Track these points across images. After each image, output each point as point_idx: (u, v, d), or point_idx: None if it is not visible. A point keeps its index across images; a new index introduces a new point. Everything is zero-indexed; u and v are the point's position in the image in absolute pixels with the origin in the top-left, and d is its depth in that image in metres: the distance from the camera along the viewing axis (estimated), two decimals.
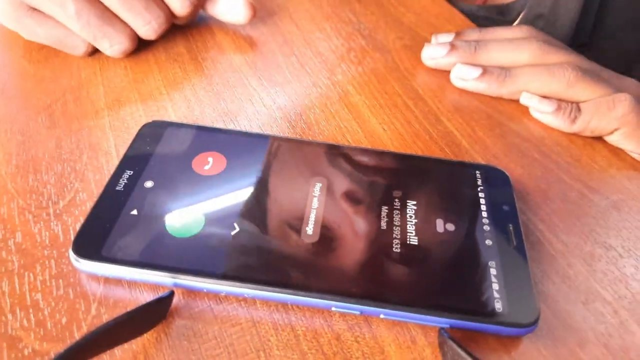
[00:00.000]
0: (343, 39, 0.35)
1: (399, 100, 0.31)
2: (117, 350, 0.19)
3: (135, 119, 0.28)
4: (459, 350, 0.18)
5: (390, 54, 0.34)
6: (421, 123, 0.30)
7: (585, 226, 0.25)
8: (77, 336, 0.19)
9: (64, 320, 0.20)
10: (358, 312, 0.20)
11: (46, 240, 0.22)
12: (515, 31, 0.33)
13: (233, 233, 0.21)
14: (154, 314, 0.19)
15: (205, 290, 0.20)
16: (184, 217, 0.22)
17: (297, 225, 0.22)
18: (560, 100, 0.30)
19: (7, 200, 0.24)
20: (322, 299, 0.20)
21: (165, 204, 0.22)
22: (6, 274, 0.21)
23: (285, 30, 0.36)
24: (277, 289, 0.20)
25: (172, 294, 0.20)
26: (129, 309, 0.18)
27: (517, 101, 0.31)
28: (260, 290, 0.20)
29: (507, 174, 0.25)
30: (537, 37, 0.32)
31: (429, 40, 0.36)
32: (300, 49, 0.34)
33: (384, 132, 0.29)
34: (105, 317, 0.20)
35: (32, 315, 0.20)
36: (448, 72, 0.32)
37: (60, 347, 0.19)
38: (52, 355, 0.16)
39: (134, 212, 0.22)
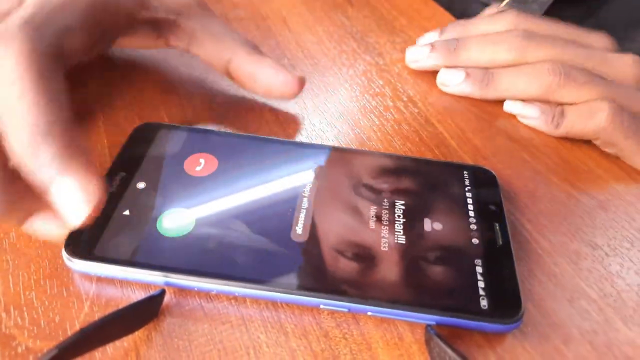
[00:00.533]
0: (335, 42, 0.36)
1: (390, 103, 0.31)
2: (109, 348, 0.19)
3: (129, 121, 0.28)
4: (445, 347, 0.18)
5: (381, 56, 0.35)
6: (411, 125, 0.30)
7: (572, 225, 0.25)
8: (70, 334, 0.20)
9: (57, 318, 0.20)
10: (346, 310, 0.20)
11: (40, 239, 0.23)
12: (497, 22, 0.32)
13: (224, 232, 0.22)
14: (145, 312, 0.20)
15: (196, 289, 0.21)
16: (176, 217, 0.22)
17: (286, 225, 0.22)
18: (546, 101, 0.30)
19: None
20: (310, 297, 0.20)
21: (158, 204, 0.22)
22: (0, 273, 0.21)
23: (277, 33, 0.36)
24: (266, 288, 0.20)
25: (163, 292, 0.20)
26: (120, 307, 0.19)
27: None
28: (250, 288, 0.20)
29: (494, 174, 0.26)
30: (518, 28, 0.31)
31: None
32: (293, 52, 0.35)
33: (374, 133, 0.29)
34: (98, 316, 0.20)
35: (25, 313, 0.20)
36: (437, 73, 0.33)
37: (53, 345, 0.19)
38: (45, 352, 0.17)
39: (127, 212, 0.22)
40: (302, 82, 0.27)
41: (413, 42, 0.36)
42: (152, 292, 0.20)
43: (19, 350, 0.19)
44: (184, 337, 0.20)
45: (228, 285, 0.20)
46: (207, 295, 0.21)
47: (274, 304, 0.21)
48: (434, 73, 0.33)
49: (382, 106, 0.31)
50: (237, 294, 0.21)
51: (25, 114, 0.17)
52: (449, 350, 0.18)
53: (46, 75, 0.18)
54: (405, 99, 0.32)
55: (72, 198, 0.18)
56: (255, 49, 0.28)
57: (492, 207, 0.24)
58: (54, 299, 0.21)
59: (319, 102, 0.31)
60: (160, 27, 0.27)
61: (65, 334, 0.20)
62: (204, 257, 0.21)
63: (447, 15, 0.39)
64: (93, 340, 0.18)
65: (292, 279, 0.20)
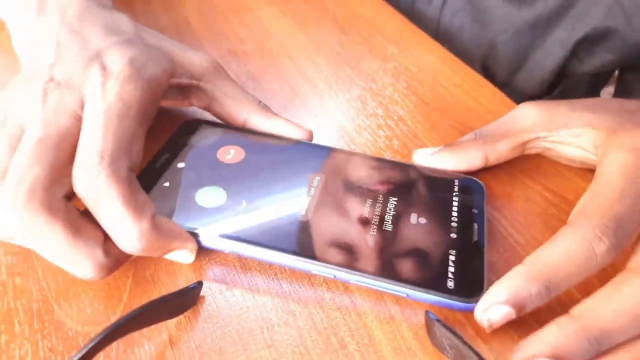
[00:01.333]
0: (332, 70, 0.40)
1: (382, 121, 0.35)
2: (145, 330, 0.23)
3: (179, 118, 0.32)
4: (444, 329, 0.21)
5: (374, 82, 0.39)
6: (401, 140, 0.34)
7: (543, 222, 0.29)
8: (112, 320, 0.23)
9: (101, 307, 0.24)
10: (332, 276, 0.24)
11: None
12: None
13: (240, 207, 0.26)
14: (183, 301, 0.23)
15: (212, 249, 0.25)
16: (205, 191, 0.27)
17: (295, 207, 0.26)
18: None
19: None
20: (304, 261, 0.24)
21: (192, 180, 0.27)
22: (50, 272, 0.25)
23: (280, 64, 0.40)
24: (270, 251, 0.24)
25: (200, 284, 0.24)
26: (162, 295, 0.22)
27: (485, 118, 0.36)
28: (256, 252, 0.24)
29: (482, 184, 0.29)
30: None
31: (410, 70, 0.40)
32: (294, 79, 0.39)
33: (368, 148, 0.33)
34: (135, 304, 0.24)
35: (74, 305, 0.24)
36: (426, 97, 0.37)
37: (98, 329, 0.23)
38: (103, 329, 0.20)
39: (167, 184, 0.27)
40: (310, 134, 0.31)
41: (403, 68, 0.41)
42: (190, 284, 0.24)
43: (70, 333, 0.23)
44: (207, 320, 0.23)
45: (240, 247, 0.24)
46: (227, 285, 0.25)
47: (284, 291, 0.25)
48: (421, 96, 0.37)
49: (375, 125, 0.35)
50: (244, 255, 0.25)
51: (126, 227, 0.22)
52: (447, 332, 0.21)
53: (135, 189, 0.24)
54: (395, 118, 0.36)
55: (179, 258, 0.25)
56: (266, 108, 0.32)
57: (475, 211, 0.28)
58: (97, 292, 0.24)
59: (319, 123, 0.35)
60: (185, 90, 0.31)
61: (108, 320, 0.23)
62: (223, 222, 0.25)
63: (434, 43, 0.44)
64: (141, 321, 0.21)
65: (292, 246, 0.24)
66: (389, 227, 0.26)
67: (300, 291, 0.25)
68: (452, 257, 0.24)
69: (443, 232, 0.26)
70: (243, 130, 0.31)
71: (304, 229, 0.25)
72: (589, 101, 0.31)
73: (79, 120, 0.24)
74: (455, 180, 0.29)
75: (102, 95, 0.24)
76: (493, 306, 0.22)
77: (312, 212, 0.26)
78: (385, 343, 0.23)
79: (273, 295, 0.25)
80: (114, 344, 0.22)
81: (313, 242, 0.25)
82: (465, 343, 0.21)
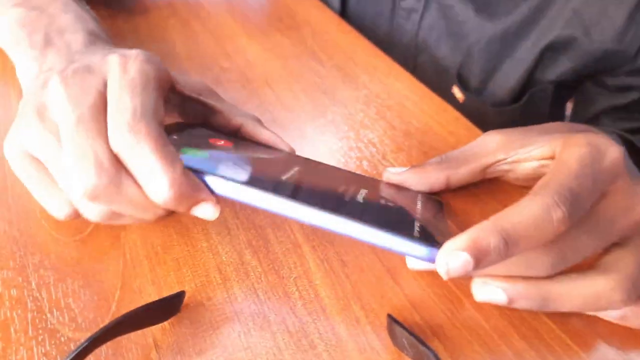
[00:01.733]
0: (309, 98, 0.43)
1: (353, 144, 0.38)
2: (132, 335, 0.25)
3: None
4: (403, 330, 0.24)
5: (346, 107, 0.42)
6: (370, 161, 0.37)
7: None
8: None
9: (91, 316, 0.26)
10: (309, 222, 0.25)
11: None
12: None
13: (228, 164, 0.27)
14: (167, 308, 0.25)
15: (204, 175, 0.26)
16: (194, 150, 0.28)
17: (276, 172, 0.28)
18: None
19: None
20: (286, 203, 0.25)
21: (181, 143, 0.29)
22: (44, 286, 0.27)
23: (261, 93, 0.44)
24: (250, 188, 0.25)
25: (183, 293, 0.26)
26: (147, 302, 0.24)
27: (448, 141, 0.39)
28: (234, 185, 0.26)
29: (441, 200, 0.32)
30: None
31: (380, 97, 0.44)
32: (274, 107, 0.42)
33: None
34: (122, 312, 0.26)
35: (66, 314, 0.26)
36: (394, 122, 0.40)
37: (88, 335, 0.25)
38: (90, 335, 0.22)
39: None
40: (294, 152, 0.34)
41: (374, 95, 0.44)
42: (173, 293, 0.26)
43: (62, 340, 0.25)
44: (190, 326, 0.26)
45: (218, 181, 0.26)
46: (207, 294, 0.27)
47: (259, 298, 0.27)
48: (390, 121, 0.40)
49: (347, 147, 0.38)
50: (230, 196, 0.26)
51: (160, 176, 0.25)
52: (406, 333, 0.24)
53: (166, 142, 0.26)
54: (365, 140, 0.39)
55: (205, 212, 0.27)
56: (259, 120, 0.35)
57: (437, 205, 0.30)
58: (87, 302, 0.27)
59: (296, 145, 0.38)
60: (183, 103, 0.34)
61: (98, 327, 0.25)
62: (207, 163, 0.27)
63: (403, 71, 0.47)
64: (127, 326, 0.24)
65: (275, 189, 0.26)
66: (360, 199, 0.28)
67: (274, 298, 0.27)
68: (417, 224, 0.27)
69: (409, 210, 0.29)
70: (234, 134, 0.34)
71: (286, 182, 0.27)
72: (545, 125, 0.35)
73: (104, 97, 0.26)
74: (419, 194, 0.32)
75: (123, 71, 0.26)
76: (453, 252, 0.23)
77: (294, 177, 0.28)
78: (351, 344, 0.25)
79: (249, 303, 0.27)
80: (103, 347, 0.25)
81: (296, 188, 0.26)
82: (422, 342, 0.23)
